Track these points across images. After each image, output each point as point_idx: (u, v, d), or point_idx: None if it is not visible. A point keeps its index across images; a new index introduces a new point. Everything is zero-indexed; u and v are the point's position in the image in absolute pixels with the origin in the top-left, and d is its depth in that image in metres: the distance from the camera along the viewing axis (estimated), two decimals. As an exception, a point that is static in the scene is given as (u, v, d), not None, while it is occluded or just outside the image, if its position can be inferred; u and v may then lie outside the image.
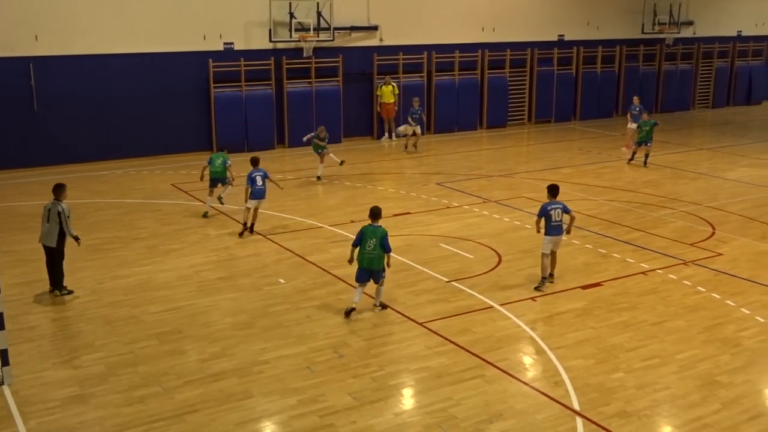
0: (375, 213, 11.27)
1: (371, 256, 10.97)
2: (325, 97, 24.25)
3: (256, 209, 14.95)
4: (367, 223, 11.25)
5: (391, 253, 11.16)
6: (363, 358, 9.83)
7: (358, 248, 11.10)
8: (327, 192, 18.65)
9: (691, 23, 31.57)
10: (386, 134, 25.42)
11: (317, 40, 23.77)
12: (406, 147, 23.44)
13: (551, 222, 12.15)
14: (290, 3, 23.04)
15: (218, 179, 16.06)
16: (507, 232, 15.28)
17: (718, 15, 32.66)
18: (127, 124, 21.87)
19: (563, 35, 28.83)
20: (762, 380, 9.48)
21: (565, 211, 12.23)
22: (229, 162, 16.06)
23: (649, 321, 11.03)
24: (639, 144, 21.31)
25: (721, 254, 13.92)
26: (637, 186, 19.10)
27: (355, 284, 11.21)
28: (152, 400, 8.79)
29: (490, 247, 14.21)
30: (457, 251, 14.00)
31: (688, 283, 12.47)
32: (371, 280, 11.15)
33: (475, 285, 12.29)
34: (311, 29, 23.47)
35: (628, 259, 13.60)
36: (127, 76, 21.70)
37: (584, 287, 12.29)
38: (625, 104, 30.21)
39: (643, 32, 30.31)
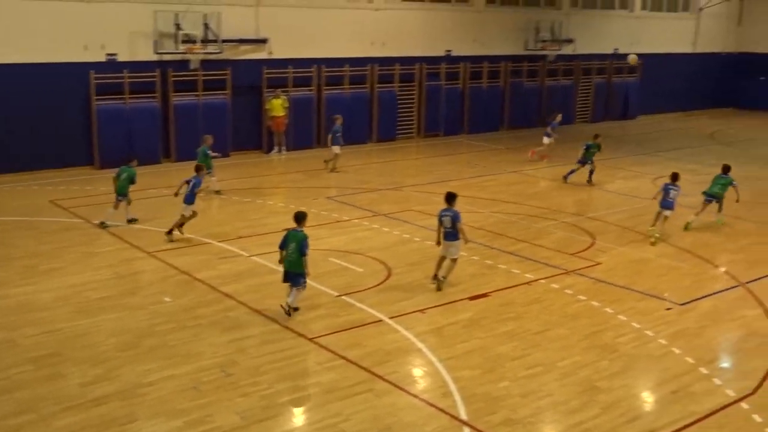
0: (298, 217, 11.66)
1: (290, 260, 11.44)
2: (213, 110, 23.91)
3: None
4: (292, 227, 11.64)
5: (308, 256, 11.46)
6: (252, 375, 9.72)
7: (284, 251, 11.51)
8: (215, 207, 18.38)
9: (571, 41, 32.90)
10: (275, 148, 25.28)
11: (204, 53, 23.43)
12: (330, 168, 22.73)
13: (443, 229, 12.49)
14: (176, 14, 22.63)
15: (121, 194, 16.03)
16: (396, 245, 15.46)
17: (596, 33, 34.20)
18: (0, 138, 20.88)
19: (451, 51, 29.49)
20: (638, 384, 9.94)
21: (454, 219, 12.54)
22: (128, 178, 16.15)
23: (533, 330, 11.38)
24: (582, 163, 21.57)
25: (600, 263, 14.53)
26: (521, 198, 19.70)
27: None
28: (28, 429, 8.40)
29: (379, 261, 14.33)
30: (347, 265, 14.06)
31: (570, 292, 12.96)
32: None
33: (364, 298, 12.37)
34: (198, 41, 23.12)
35: (513, 270, 14.01)
36: (1, 87, 20.74)
37: (471, 298, 12.58)
38: (511, 118, 31.22)
39: (526, 49, 31.41)
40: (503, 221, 17.40)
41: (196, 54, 23.29)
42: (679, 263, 14.70)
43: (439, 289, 12.79)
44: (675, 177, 16.57)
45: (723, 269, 14.55)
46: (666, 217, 16.30)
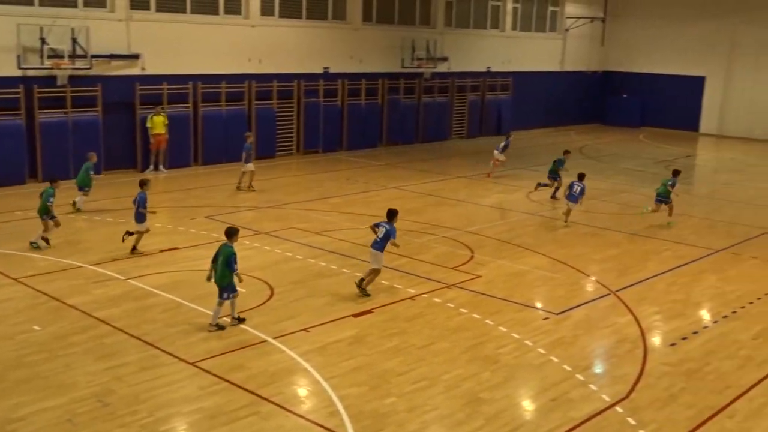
0: (229, 232, 12.06)
1: (218, 273, 11.76)
2: (83, 127, 22.99)
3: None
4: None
5: (237, 271, 11.79)
6: (130, 404, 9.35)
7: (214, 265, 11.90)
8: (87, 228, 17.65)
9: (446, 59, 33.72)
10: (151, 166, 24.58)
11: (73, 68, 22.52)
12: (245, 186, 22.22)
13: (376, 237, 13.53)
14: (41, 28, 21.67)
15: (43, 213, 15.75)
16: (278, 263, 15.31)
17: (470, 52, 35.20)
18: None
19: (328, 68, 29.61)
20: (519, 394, 10.22)
21: (388, 233, 13.49)
22: (51, 199, 15.70)
23: (417, 344, 11.51)
24: (553, 179, 22.29)
25: (479, 276, 14.88)
26: (401, 214, 19.83)
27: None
28: None
29: (261, 280, 14.14)
30: (229, 286, 13.78)
31: (452, 306, 13.20)
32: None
33: (247, 319, 12.15)
34: (66, 56, 22.21)
35: (396, 285, 14.14)
36: None
37: (356, 315, 12.60)
38: (389, 134, 31.62)
39: (403, 66, 31.94)
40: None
41: (64, 69, 22.36)
42: (553, 274, 15.25)
43: (365, 295, 13.41)
44: (581, 176, 19.34)
45: (594, 278, 15.18)
46: (569, 210, 18.95)
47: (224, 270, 11.71)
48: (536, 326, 12.42)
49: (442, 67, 33.64)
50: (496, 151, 25.62)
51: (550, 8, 39.53)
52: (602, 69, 43.06)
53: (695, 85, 40.22)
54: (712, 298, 14.32)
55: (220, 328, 11.75)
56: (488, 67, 36.14)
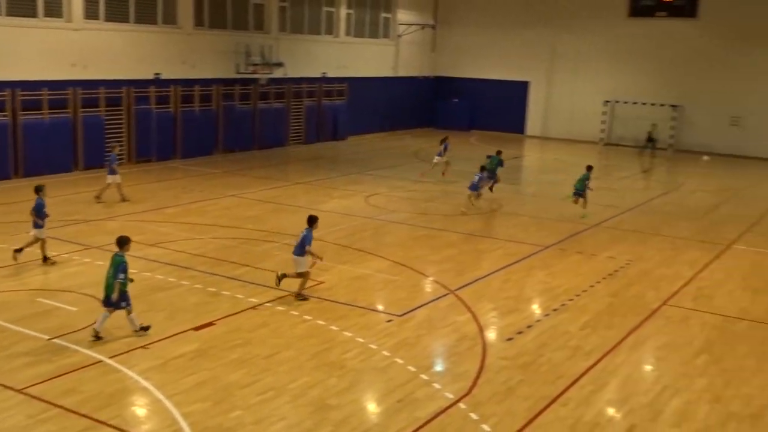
0: (120, 242, 11.97)
1: (107, 283, 11.69)
2: None
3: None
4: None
5: (120, 281, 11.61)
6: (-50, 439, 8.64)
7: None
8: None
9: (281, 64, 33.54)
10: (-34, 180, 22.84)
11: None
12: (121, 197, 21.18)
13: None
14: None
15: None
16: (113, 278, 14.63)
17: (306, 57, 35.24)
18: None
19: (160, 74, 28.70)
20: (366, 397, 10.32)
21: (304, 239, 13.77)
22: None
23: (262, 355, 11.36)
24: (491, 177, 24.09)
25: (322, 282, 14.89)
26: (240, 222, 19.65)
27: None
28: None
29: (95, 297, 13.43)
30: (58, 304, 13.05)
31: (296, 313, 13.13)
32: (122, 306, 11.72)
33: (81, 340, 11.54)
34: None
35: (237, 295, 13.89)
36: None
37: (197, 328, 12.26)
38: (226, 141, 31.06)
39: (237, 72, 31.49)
40: (224, 246, 17.21)
41: None
42: (394, 277, 15.52)
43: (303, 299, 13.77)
44: (483, 168, 22.67)
45: (433, 279, 15.59)
46: (470, 196, 21.95)
47: (114, 279, 11.62)
48: (380, 329, 12.60)
49: (277, 73, 33.44)
50: (436, 157, 27.02)
51: (383, 15, 40.31)
52: (434, 74, 44.40)
53: (520, 90, 42.37)
54: (542, 293, 15.08)
55: (98, 338, 11.53)
56: (324, 73, 36.33)
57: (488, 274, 15.95)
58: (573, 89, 41.15)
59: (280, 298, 13.84)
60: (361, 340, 12.08)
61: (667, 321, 13.65)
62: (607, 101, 39.99)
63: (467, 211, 21.53)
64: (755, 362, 11.92)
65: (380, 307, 13.77)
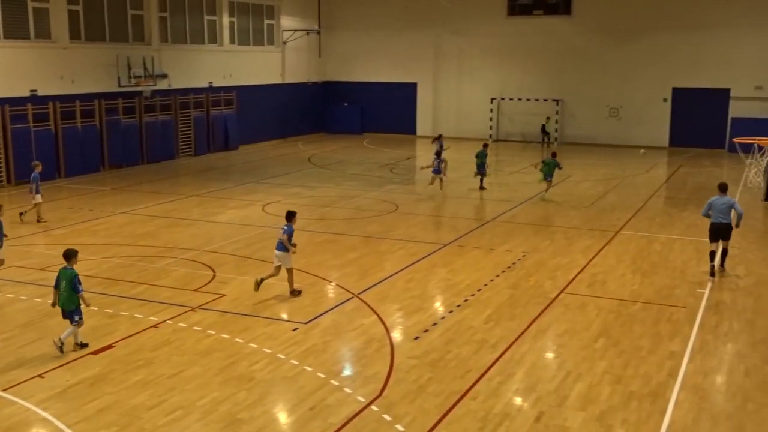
0: (67, 255, 12.02)
1: (62, 297, 11.77)
2: None
3: None
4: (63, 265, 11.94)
5: (83, 293, 11.86)
6: None
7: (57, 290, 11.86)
8: None
9: (165, 76, 32.81)
10: None
11: None
12: (38, 218, 20.61)
13: (278, 240, 14.49)
14: None
15: None
16: (0, 307, 13.93)
17: (191, 68, 34.56)
18: None
19: (36, 90, 27.54)
20: (277, 408, 10.20)
21: (287, 233, 14.34)
22: None
23: (166, 374, 11.05)
24: (481, 173, 26.19)
25: (224, 295, 14.64)
26: (134, 239, 19.08)
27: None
28: None
29: (-19, 328, 12.78)
30: (-58, 339, 12.31)
31: (199, 329, 12.85)
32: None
33: (-31, 374, 10.93)
34: None
35: (137, 315, 13.47)
36: None
37: (95, 352, 11.82)
38: (112, 157, 30.08)
39: (120, 85, 30.57)
40: (119, 266, 16.67)
41: None
42: (298, 284, 15.38)
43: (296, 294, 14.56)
44: (438, 154, 25.74)
45: (336, 284, 15.57)
46: (435, 179, 25.41)
47: (70, 294, 11.76)
48: (286, 338, 12.48)
49: (162, 85, 32.69)
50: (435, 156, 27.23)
51: (266, 21, 39.99)
52: (322, 79, 44.41)
53: (409, 91, 42.93)
54: (445, 290, 15.30)
55: (84, 345, 11.92)
56: (210, 83, 35.74)
57: (391, 275, 16.06)
58: (459, 88, 42.02)
59: (182, 314, 13.51)
60: (267, 350, 11.94)
61: (566, 308, 14.10)
62: (493, 98, 41.02)
63: (429, 188, 25.72)
64: (650, 342, 12.46)
65: (285, 316, 13.65)
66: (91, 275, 15.76)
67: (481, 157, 26.18)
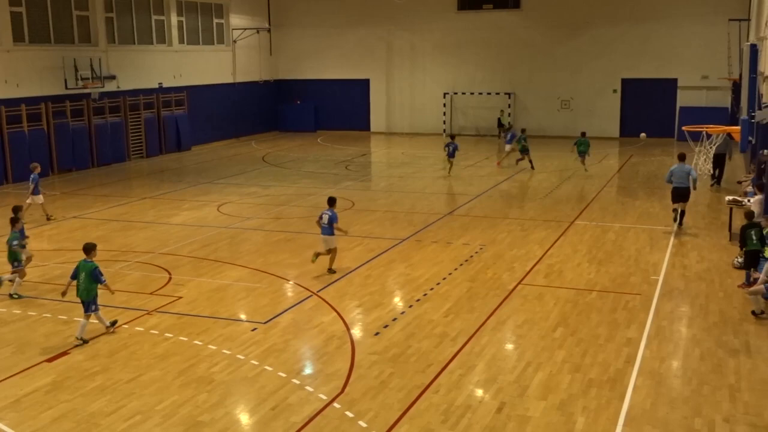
0: (87, 248, 12.73)
1: (80, 288, 12.44)
2: None
3: None
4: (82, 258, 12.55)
5: (106, 282, 12.62)
6: None
7: (75, 281, 12.53)
8: None
9: (113, 77, 32.30)
10: None
11: None
12: (47, 216, 21.09)
13: (321, 225, 15.94)
14: None
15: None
16: (-51, 317, 13.58)
17: (139, 68, 34.06)
18: None
19: (-20, 94, 26.92)
20: (238, 409, 10.10)
21: (332, 219, 15.75)
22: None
23: (124, 379, 10.88)
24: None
25: (180, 297, 14.46)
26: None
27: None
28: None
29: (-70, 339, 12.44)
30: None
31: (156, 332, 12.68)
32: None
33: None
34: None
35: (91, 321, 13.16)
36: None
37: (50, 359, 11.59)
38: (61, 161, 29.50)
39: (67, 88, 29.98)
40: (70, 271, 16.30)
41: None
42: (255, 284, 15.29)
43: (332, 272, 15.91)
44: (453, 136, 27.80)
45: (294, 283, 15.48)
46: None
47: (89, 284, 12.38)
48: (246, 338, 12.37)
49: (110, 86, 32.17)
50: (507, 145, 30.44)
51: (215, 20, 39.59)
52: (274, 78, 44.13)
53: (361, 87, 42.92)
54: (403, 285, 15.32)
55: (85, 341, 12.21)
56: (160, 83, 35.27)
57: (349, 272, 16.02)
58: (412, 84, 42.12)
59: (138, 318, 13.31)
60: (227, 351, 11.83)
61: (524, 299, 14.22)
62: (446, 93, 41.21)
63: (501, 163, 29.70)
64: (607, 330, 12.63)
65: (243, 317, 13.53)
66: (43, 281, 15.45)
67: (522, 140, 29.33)
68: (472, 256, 17.11)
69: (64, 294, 12.65)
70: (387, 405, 9.99)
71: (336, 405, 10.01)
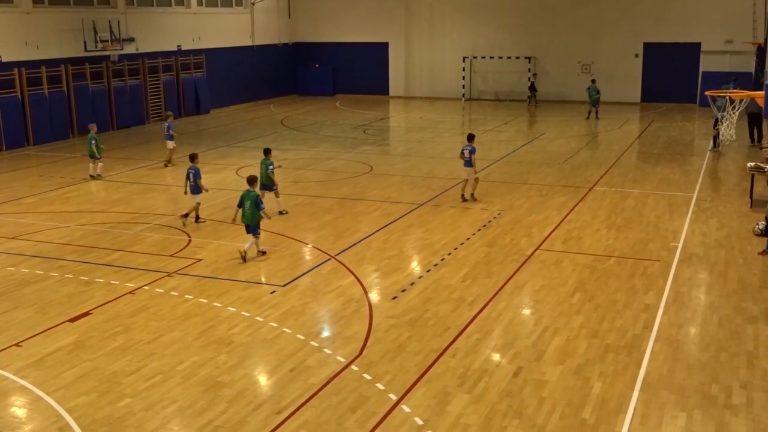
0: (251, 180, 14.70)
1: (247, 214, 14.42)
2: None
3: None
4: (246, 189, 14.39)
5: (264, 209, 14.55)
6: None
7: (241, 209, 14.49)
8: None
9: (132, 40, 32.23)
10: None
11: None
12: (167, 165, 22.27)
13: (463, 158, 18.67)
14: None
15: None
16: (-27, 277, 13.78)
17: (158, 31, 33.96)
18: None
19: (0, 56, 26.94)
20: (257, 370, 10.22)
21: (471, 152, 18.51)
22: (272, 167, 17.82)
23: (145, 339, 11.02)
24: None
25: (200, 260, 14.57)
26: (107, 206, 18.90)
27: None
28: None
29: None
30: None
31: (176, 294, 12.80)
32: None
33: (-56, 345, 10.82)
34: None
35: (112, 282, 13.38)
36: None
37: (72, 320, 11.75)
38: (81, 123, 29.59)
39: (86, 50, 29.96)
40: (93, 233, 16.50)
41: None
42: (273, 247, 15.36)
43: (465, 200, 18.73)
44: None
45: (313, 246, 15.54)
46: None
47: (254, 211, 14.34)
48: (265, 301, 12.47)
49: (129, 49, 32.12)
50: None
51: (235, -18, 39.34)
52: (292, 41, 43.86)
53: (380, 51, 42.54)
54: (421, 250, 15.34)
55: (243, 259, 14.33)
56: (179, 46, 35.17)
57: (367, 236, 16.06)
58: (431, 48, 41.72)
59: (158, 280, 13.44)
60: (246, 314, 11.93)
61: (542, 265, 14.20)
62: (465, 57, 40.80)
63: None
64: (625, 296, 12.60)
65: (263, 279, 13.63)
66: (65, 243, 15.61)
67: (591, 92, 32.37)
68: (490, 222, 17.08)
69: (234, 221, 14.90)
70: (404, 368, 10.06)
71: (354, 367, 10.09)
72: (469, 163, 18.44)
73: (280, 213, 17.60)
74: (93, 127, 22.62)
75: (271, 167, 17.79)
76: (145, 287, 13.12)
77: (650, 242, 15.50)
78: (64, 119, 29.15)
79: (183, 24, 35.53)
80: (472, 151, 18.40)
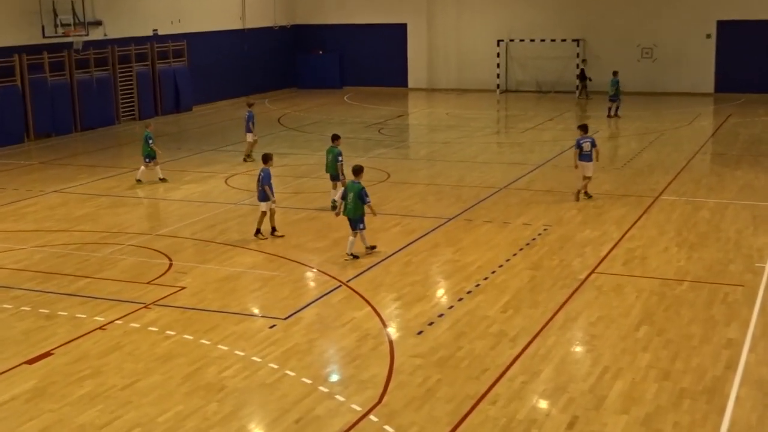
0: (356, 170, 15.94)
1: (349, 207, 15.63)
2: None
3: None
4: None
5: (370, 203, 15.73)
6: None
7: (343, 202, 15.74)
8: None
9: (99, 23, 32.54)
10: None
11: None
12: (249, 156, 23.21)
13: (579, 152, 19.72)
14: None
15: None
16: None
17: (130, 13, 34.27)
18: None
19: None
20: (256, 422, 10.23)
21: (592, 144, 19.75)
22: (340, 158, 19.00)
23: (118, 385, 11.04)
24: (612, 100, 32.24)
25: (183, 288, 14.62)
26: (70, 223, 19.02)
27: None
28: None
29: None
30: None
31: (155, 329, 12.84)
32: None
33: None
34: None
35: (78, 315, 13.45)
36: None
37: (30, 361, 11.80)
38: (38, 124, 29.87)
39: (44, 36, 30.25)
40: (54, 255, 16.61)
41: None
42: (272, 272, 15.40)
43: (579, 199, 19.76)
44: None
45: (319, 270, 15.55)
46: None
47: (356, 204, 15.52)
48: (262, 337, 12.49)
49: (96, 34, 32.43)
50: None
51: (221, -46, 39.66)
52: (290, 23, 44.14)
53: (397, 34, 42.74)
54: (451, 274, 15.33)
55: (355, 257, 15.67)
56: (155, 30, 35.47)
57: (385, 258, 16.07)
58: (459, 29, 41.88)
59: (133, 312, 13.48)
60: (240, 353, 11.94)
61: (599, 291, 14.15)
62: (501, 41, 40.90)
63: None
64: (701, 329, 12.52)
65: (258, 311, 13.66)
66: (21, 268, 15.72)
67: (613, 84, 32.34)
68: (534, 239, 17.07)
69: (338, 215, 16.08)
70: (434, 418, 10.02)
71: (372, 418, 10.06)
72: (589, 157, 19.58)
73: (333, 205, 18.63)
74: (150, 124, 23.95)
75: (340, 159, 18.85)
76: (117, 321, 13.16)
77: (731, 263, 15.42)
78: (18, 119, 29.42)
79: (160, 4, 35.85)
80: (593, 144, 19.67)
